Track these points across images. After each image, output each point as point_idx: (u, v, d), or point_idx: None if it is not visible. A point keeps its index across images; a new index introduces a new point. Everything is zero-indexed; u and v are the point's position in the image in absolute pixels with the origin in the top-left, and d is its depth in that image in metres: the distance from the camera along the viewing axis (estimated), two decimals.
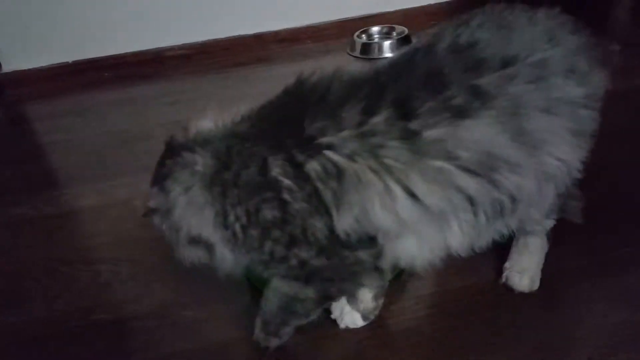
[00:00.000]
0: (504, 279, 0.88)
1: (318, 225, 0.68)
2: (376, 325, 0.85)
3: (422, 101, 0.64)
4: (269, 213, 0.68)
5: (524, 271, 0.87)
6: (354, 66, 0.72)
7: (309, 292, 0.76)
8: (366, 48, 1.81)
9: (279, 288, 0.77)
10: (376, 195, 0.65)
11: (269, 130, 0.70)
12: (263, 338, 0.81)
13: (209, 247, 0.73)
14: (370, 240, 0.70)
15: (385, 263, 0.74)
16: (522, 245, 0.88)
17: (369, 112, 0.65)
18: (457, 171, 0.65)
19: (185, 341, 0.87)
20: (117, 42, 1.90)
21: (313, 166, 0.66)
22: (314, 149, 0.66)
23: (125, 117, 1.68)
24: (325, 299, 0.79)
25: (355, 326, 0.84)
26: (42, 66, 1.89)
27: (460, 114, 0.64)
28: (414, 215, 0.67)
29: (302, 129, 0.67)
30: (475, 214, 0.69)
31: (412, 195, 0.66)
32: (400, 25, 1.89)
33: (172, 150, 0.74)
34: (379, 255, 0.72)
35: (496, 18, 0.72)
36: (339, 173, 0.65)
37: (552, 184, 0.73)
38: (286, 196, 0.67)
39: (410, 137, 0.64)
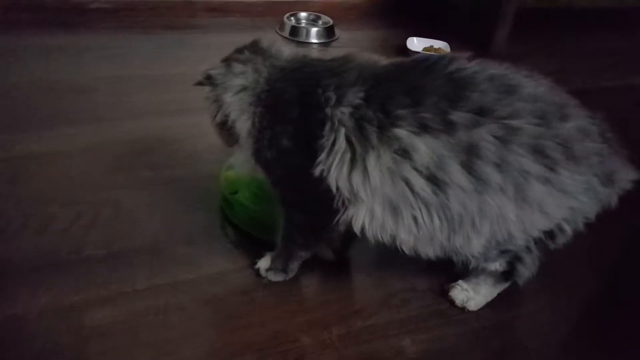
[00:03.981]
0: (449, 291, 0.95)
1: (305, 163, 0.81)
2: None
3: (401, 106, 0.76)
4: (285, 142, 0.82)
5: (470, 291, 0.94)
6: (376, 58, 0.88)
7: (295, 219, 0.89)
8: (295, 31, 2.00)
9: (281, 216, 0.91)
10: (346, 159, 0.78)
11: (301, 79, 0.84)
12: (273, 274, 0.94)
13: (236, 139, 0.88)
14: (328, 200, 0.81)
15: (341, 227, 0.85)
16: (478, 273, 0.93)
17: (366, 99, 0.80)
18: (409, 167, 0.76)
19: (185, 272, 0.96)
20: None
21: (330, 113, 0.80)
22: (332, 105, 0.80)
23: (56, 66, 1.61)
24: (313, 231, 0.90)
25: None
26: None
27: (424, 128, 0.75)
28: (364, 190, 0.78)
29: (320, 90, 0.81)
30: (430, 215, 0.77)
31: (366, 171, 0.77)
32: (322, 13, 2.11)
33: (255, 46, 0.89)
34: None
35: (506, 76, 0.78)
36: (334, 130, 0.80)
37: (488, 224, 0.77)
38: (301, 131, 0.81)
39: (384, 127, 0.77)
